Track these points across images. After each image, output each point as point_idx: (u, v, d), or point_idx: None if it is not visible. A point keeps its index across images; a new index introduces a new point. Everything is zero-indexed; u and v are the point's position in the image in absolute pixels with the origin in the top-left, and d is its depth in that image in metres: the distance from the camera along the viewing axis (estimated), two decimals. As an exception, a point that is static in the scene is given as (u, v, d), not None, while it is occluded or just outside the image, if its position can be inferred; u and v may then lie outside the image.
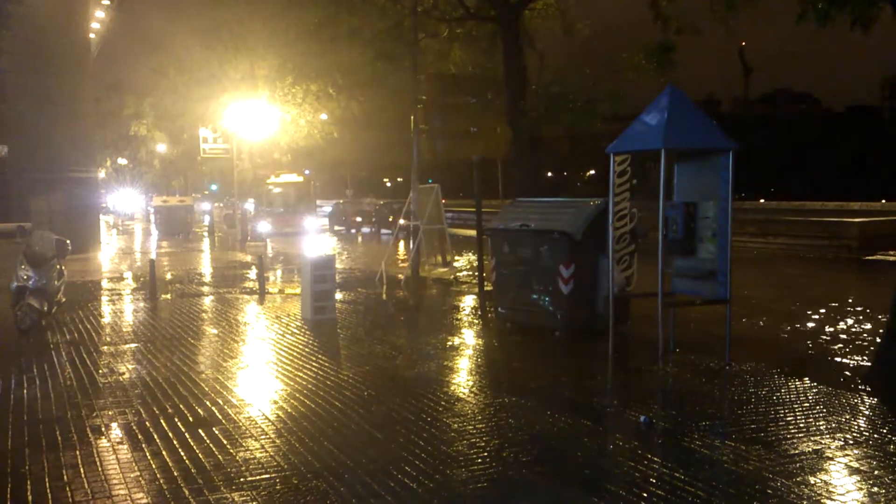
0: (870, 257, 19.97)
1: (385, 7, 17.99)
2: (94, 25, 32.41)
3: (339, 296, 13.98)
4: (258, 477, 5.53)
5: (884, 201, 36.58)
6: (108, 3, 35.16)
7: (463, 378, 8.65)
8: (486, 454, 5.98)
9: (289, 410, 7.19)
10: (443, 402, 7.41)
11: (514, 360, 9.58)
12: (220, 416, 7.01)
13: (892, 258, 19.73)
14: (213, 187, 46.59)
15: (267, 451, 6.06)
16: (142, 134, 44.46)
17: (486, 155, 28.60)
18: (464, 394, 7.83)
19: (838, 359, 9.09)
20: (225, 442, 6.29)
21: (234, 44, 30.09)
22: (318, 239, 32.49)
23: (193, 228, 41.62)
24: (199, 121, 34.88)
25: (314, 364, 9.13)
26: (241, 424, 6.77)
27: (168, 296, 15.48)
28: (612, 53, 17.23)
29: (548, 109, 16.90)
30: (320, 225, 39.43)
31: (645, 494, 5.15)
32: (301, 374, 8.60)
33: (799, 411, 7.00)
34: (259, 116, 30.04)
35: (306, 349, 10.04)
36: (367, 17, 18.20)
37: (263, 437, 6.43)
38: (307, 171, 38.18)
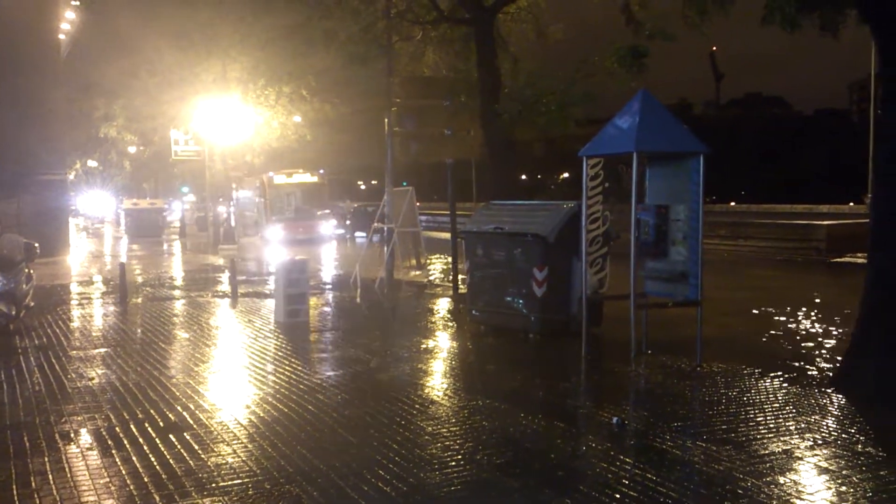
0: (838, 259, 20.27)
1: (358, 10, 17.95)
2: (65, 26, 31.98)
3: (312, 299, 13.91)
4: (230, 482, 5.48)
5: (852, 204, 37.17)
6: (78, 3, 34.72)
7: (437, 381, 8.65)
8: (460, 457, 5.98)
9: (261, 415, 7.14)
10: (417, 405, 7.40)
11: (489, 363, 9.60)
12: (191, 421, 6.94)
13: (859, 260, 20.04)
14: (185, 189, 46.12)
15: (239, 456, 6.01)
16: (112, 136, 43.90)
17: (460, 157, 28.64)
18: (438, 396, 7.83)
19: (807, 360, 9.21)
20: (196, 447, 6.23)
21: (206, 46, 29.84)
22: (333, 247, 29.66)
23: (165, 231, 41.26)
24: (170, 122, 34.52)
25: (287, 368, 9.07)
26: (212, 429, 6.71)
27: (139, 300, 15.31)
28: (586, 57, 17.31)
29: (521, 112, 16.98)
30: (336, 231, 34.56)
31: (617, 496, 5.18)
32: (274, 378, 8.54)
33: (769, 412, 7.09)
34: (231, 118, 29.83)
35: (279, 353, 9.98)
36: (341, 19, 18.16)
37: (235, 441, 6.38)
38: (321, 171, 35.17)
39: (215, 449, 6.19)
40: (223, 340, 11.09)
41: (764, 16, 8.97)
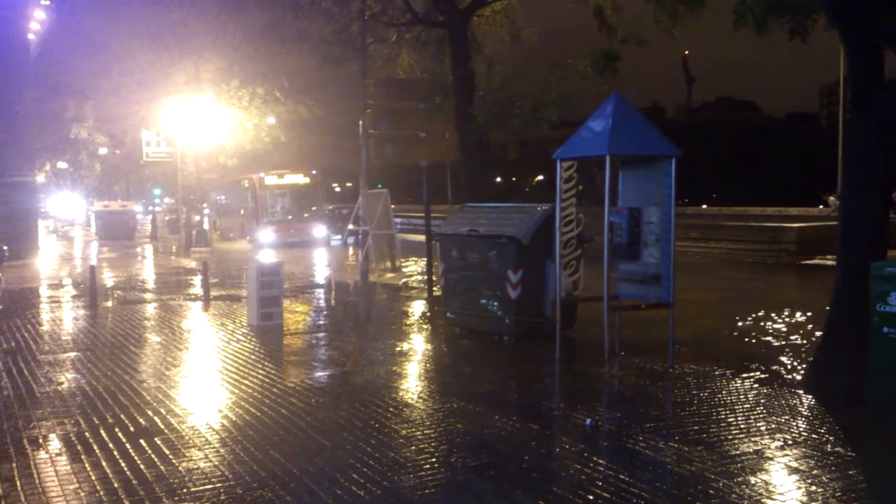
0: (808, 261, 20.54)
1: (332, 11, 17.91)
2: (34, 26, 31.51)
3: (286, 302, 13.83)
4: (201, 487, 5.43)
5: (821, 206, 37.73)
6: (48, 2, 34.25)
7: (412, 384, 8.63)
8: (434, 460, 5.97)
9: (233, 419, 7.08)
10: (391, 409, 7.38)
11: (463, 365, 9.60)
12: (162, 426, 6.86)
13: (829, 262, 20.34)
14: (157, 191, 45.63)
15: (211, 461, 5.96)
16: (83, 137, 43.39)
17: (434, 160, 28.66)
18: (412, 399, 7.81)
19: (778, 361, 9.32)
20: (167, 452, 6.16)
21: (179, 46, 29.58)
22: (326, 250, 27.87)
23: (136, 234, 40.82)
24: (142, 124, 34.16)
25: (260, 371, 9.01)
26: (183, 434, 6.64)
27: (109, 303, 15.12)
28: (560, 60, 17.43)
29: (496, 115, 17.03)
30: (330, 234, 31.94)
31: (591, 497, 5.20)
32: (246, 382, 8.48)
33: (740, 412, 7.16)
34: (204, 120, 29.60)
35: (252, 356, 9.91)
36: (314, 21, 18.11)
37: (207, 446, 6.32)
38: (314, 171, 33.69)
39: (186, 454, 6.13)
40: (195, 344, 10.98)
41: (735, 19, 9.09)
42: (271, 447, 6.25)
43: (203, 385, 8.55)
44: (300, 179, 32.53)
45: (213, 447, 6.29)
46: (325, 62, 18.72)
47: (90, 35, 33.88)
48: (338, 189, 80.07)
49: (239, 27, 24.39)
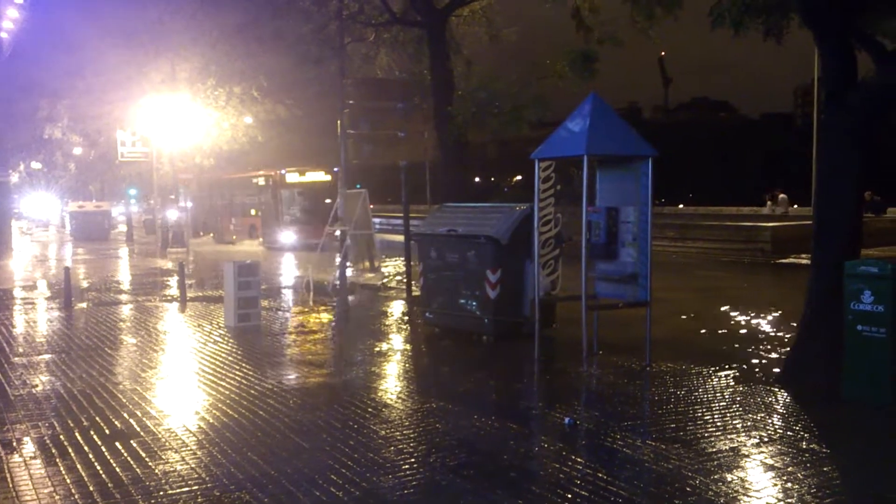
0: (782, 260, 20.76)
1: (310, 11, 17.82)
2: (7, 25, 31.08)
3: (264, 302, 13.75)
4: (178, 490, 5.38)
5: (796, 206, 38.10)
6: (21, 1, 33.79)
7: (391, 384, 8.62)
8: (413, 460, 5.96)
9: (211, 421, 7.02)
10: (370, 409, 7.36)
11: (442, 365, 9.60)
12: (138, 429, 6.79)
13: (803, 261, 20.57)
14: (132, 192, 45.15)
15: (188, 464, 5.91)
16: (57, 137, 42.85)
17: (413, 160, 28.58)
18: (391, 400, 7.80)
19: (753, 359, 9.41)
20: (143, 455, 6.10)
21: (154, 44, 29.27)
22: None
23: (111, 234, 40.41)
24: (116, 123, 33.78)
25: (238, 373, 8.95)
26: (160, 436, 6.58)
27: (84, 304, 14.95)
28: (538, 60, 17.45)
29: (474, 115, 17.02)
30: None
31: (569, 495, 5.22)
32: (224, 384, 8.41)
33: (716, 410, 7.22)
34: (180, 119, 29.33)
35: (230, 357, 9.84)
36: (291, 20, 18.01)
37: (184, 448, 6.26)
38: (336, 169, 32.41)
39: (163, 456, 6.08)
40: (171, 345, 10.89)
41: (713, 19, 9.16)
42: (249, 449, 6.21)
43: (179, 387, 8.48)
44: (321, 177, 30.43)
45: (190, 449, 6.24)
46: (303, 61, 18.62)
47: (64, 34, 33.44)
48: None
49: (216, 26, 24.13)
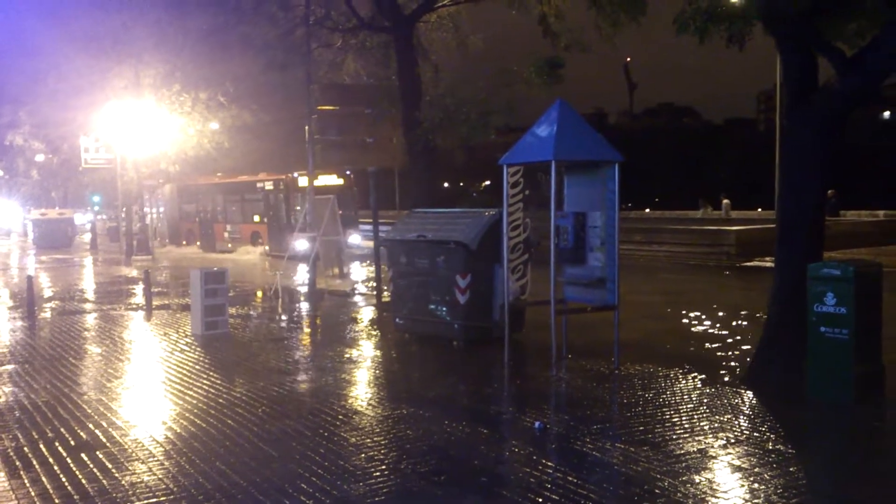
0: (747, 263, 21.07)
1: (276, 16, 17.74)
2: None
3: (231, 309, 13.63)
4: (145, 501, 5.31)
5: (760, 210, 38.73)
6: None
7: (361, 390, 8.58)
8: (384, 467, 5.94)
9: (178, 431, 6.94)
10: (340, 416, 7.32)
11: (413, 371, 9.59)
12: (104, 440, 6.69)
13: (767, 264, 20.89)
14: (96, 198, 44.47)
15: (155, 474, 5.83)
16: (18, 143, 42.09)
17: (382, 166, 28.53)
18: (362, 406, 7.77)
19: (720, 360, 9.53)
20: (110, 466, 6.01)
21: (118, 50, 28.90)
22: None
23: (75, 242, 39.78)
24: (80, 129, 33.27)
25: (205, 381, 8.85)
26: (126, 447, 6.48)
27: (48, 314, 14.69)
28: (506, 66, 17.56)
29: (443, 120, 17.06)
30: (361, 242, 27.48)
31: (540, 499, 5.24)
32: (191, 393, 8.32)
33: (684, 412, 7.30)
34: (145, 125, 28.98)
35: (197, 366, 9.73)
36: (258, 25, 17.92)
37: (151, 459, 6.18)
38: (348, 171, 29.63)
39: (130, 467, 5.99)
40: (137, 355, 10.74)
41: (677, 28, 9.29)
42: (217, 459, 6.15)
43: (146, 397, 8.37)
44: (334, 181, 28.45)
45: (157, 460, 6.16)
46: (270, 67, 18.54)
47: (26, 39, 32.88)
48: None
49: (181, 31, 23.91)
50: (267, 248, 29.47)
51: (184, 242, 35.26)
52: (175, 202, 36.35)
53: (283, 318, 13.92)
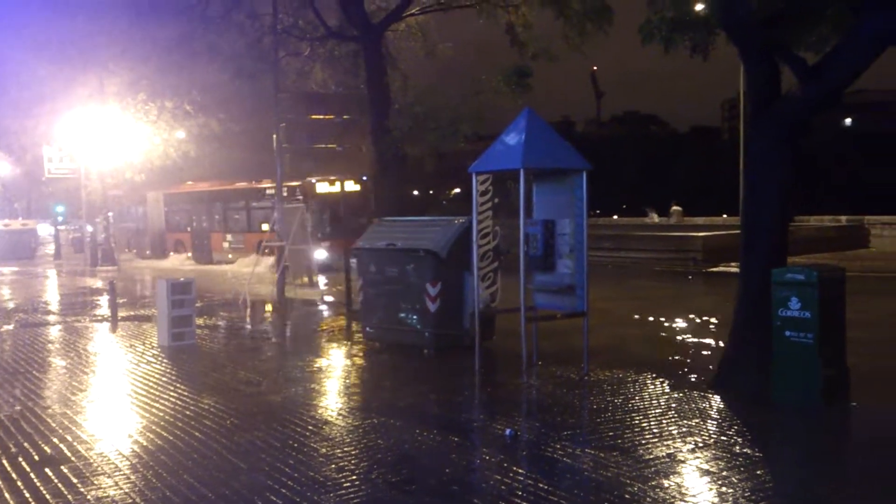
0: (713, 269, 21.34)
1: (244, 24, 17.66)
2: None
3: (199, 320, 13.48)
4: (112, 516, 5.22)
5: (725, 216, 39.24)
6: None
7: (331, 400, 8.53)
8: (354, 477, 5.90)
9: (144, 444, 6.83)
10: (310, 427, 7.27)
11: (383, 380, 9.55)
12: (68, 454, 6.56)
13: (733, 269, 21.18)
14: (59, 209, 43.75)
15: (121, 489, 5.73)
16: (-21, 153, 41.33)
17: (352, 174, 28.43)
18: (332, 417, 7.72)
19: (688, 365, 9.63)
20: (75, 480, 5.89)
21: (82, 58, 28.50)
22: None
23: (38, 253, 39.10)
24: (42, 139, 32.72)
25: (172, 393, 8.73)
26: (92, 461, 6.37)
27: (10, 326, 14.40)
28: (475, 74, 17.66)
29: (412, 129, 17.08)
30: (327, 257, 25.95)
31: (511, 507, 5.24)
32: (158, 405, 8.20)
33: (653, 417, 7.35)
34: (109, 134, 28.59)
35: (163, 378, 9.59)
36: (226, 34, 17.81)
37: (117, 473, 6.08)
38: (364, 177, 28.26)
39: (95, 482, 5.88)
40: (102, 367, 10.57)
41: (643, 37, 9.41)
42: (185, 472, 6.06)
43: (112, 410, 8.23)
44: (352, 187, 27.55)
45: (124, 474, 6.06)
46: (238, 76, 18.44)
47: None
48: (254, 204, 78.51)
49: (147, 39, 23.67)
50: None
51: (171, 253, 33.06)
52: (159, 210, 34.14)
53: (252, 328, 13.80)
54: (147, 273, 26.84)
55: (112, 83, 28.85)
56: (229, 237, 30.51)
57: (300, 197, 26.48)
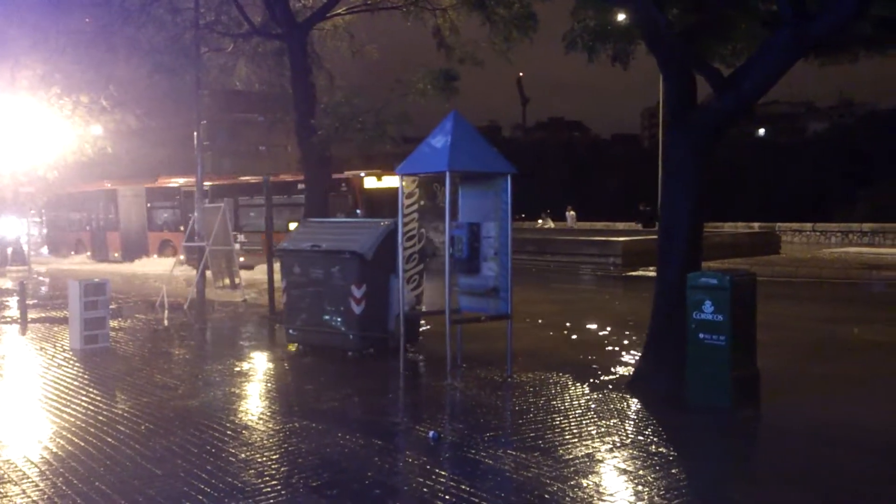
0: (632, 273, 21.86)
1: (164, 19, 17.18)
2: None
3: (113, 323, 13.05)
4: (17, 527, 5.00)
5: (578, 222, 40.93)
6: None
7: (251, 404, 8.38)
8: (274, 482, 5.81)
9: (54, 450, 6.57)
10: (229, 432, 7.12)
11: (306, 383, 9.44)
12: (-29, 462, 6.26)
13: (651, 274, 21.74)
14: None
15: (29, 497, 5.50)
16: None
17: (276, 174, 27.98)
18: (252, 421, 7.58)
19: (607, 366, 9.83)
20: (-23, 491, 5.63)
21: (-10, 50, 27.24)
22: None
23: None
24: (-52, 134, 31.13)
25: (84, 398, 8.43)
26: (-3, 470, 6.09)
27: None
28: (402, 76, 17.61)
29: (338, 129, 16.92)
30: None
31: (433, 509, 5.25)
32: (69, 410, 7.90)
33: (573, 418, 7.48)
34: (21, 130, 27.42)
35: (75, 382, 9.25)
36: (145, 28, 17.30)
37: (25, 480, 5.83)
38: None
39: (1, 489, 5.62)
40: (10, 370, 10.12)
41: (566, 45, 9.59)
42: (97, 479, 5.86)
43: (19, 415, 7.89)
44: (396, 183, 23.90)
45: (32, 481, 5.81)
46: (157, 71, 17.91)
47: None
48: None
49: (62, 32, 22.76)
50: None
51: (155, 256, 30.11)
52: (140, 208, 31.23)
53: (170, 330, 13.44)
54: (62, 274, 25.84)
55: (24, 76, 27.68)
56: (242, 237, 26.18)
57: (345, 192, 23.94)
